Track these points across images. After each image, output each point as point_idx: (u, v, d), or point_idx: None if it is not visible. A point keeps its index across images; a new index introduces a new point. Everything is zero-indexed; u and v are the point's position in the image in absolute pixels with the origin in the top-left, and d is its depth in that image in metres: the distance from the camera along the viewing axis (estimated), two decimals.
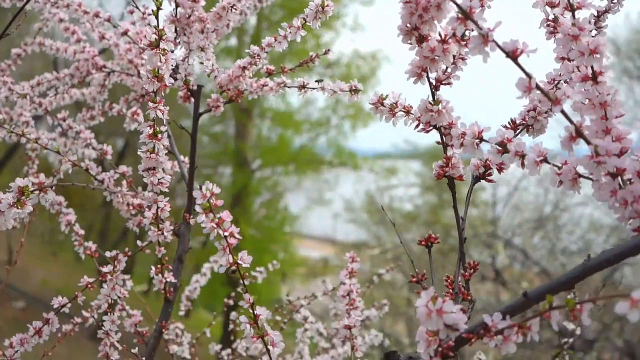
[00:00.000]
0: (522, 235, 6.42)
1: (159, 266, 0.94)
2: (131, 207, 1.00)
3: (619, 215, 0.51)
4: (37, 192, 0.67)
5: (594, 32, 0.72)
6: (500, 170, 0.66)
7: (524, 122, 0.68)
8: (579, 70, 0.55)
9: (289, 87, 0.95)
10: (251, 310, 0.64)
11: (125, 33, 1.02)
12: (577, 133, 0.51)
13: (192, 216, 0.97)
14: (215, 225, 0.61)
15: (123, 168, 1.04)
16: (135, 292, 1.35)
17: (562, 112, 0.50)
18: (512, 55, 0.50)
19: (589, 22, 0.72)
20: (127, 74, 1.16)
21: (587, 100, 0.54)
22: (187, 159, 1.10)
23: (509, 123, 0.68)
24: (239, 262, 0.62)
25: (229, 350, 1.29)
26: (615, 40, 8.95)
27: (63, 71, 1.18)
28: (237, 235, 0.62)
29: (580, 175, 0.54)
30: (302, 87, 0.92)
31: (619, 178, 0.51)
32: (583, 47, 0.52)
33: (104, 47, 1.16)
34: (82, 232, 1.08)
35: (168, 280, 0.96)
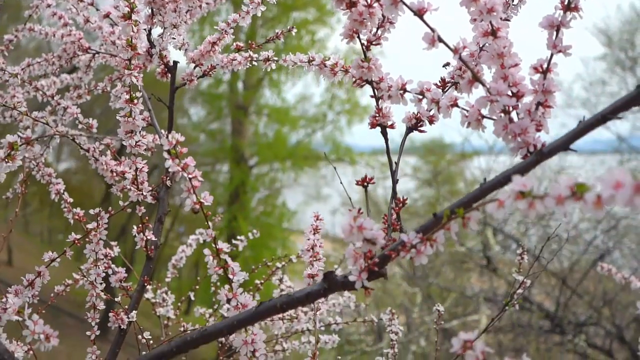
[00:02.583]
0: (514, 222, 6.52)
1: (140, 225, 1.04)
2: (114, 174, 1.09)
3: (511, 146, 0.60)
4: (24, 145, 0.76)
5: (515, 1, 0.81)
6: (431, 122, 0.76)
7: (452, 79, 0.77)
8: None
9: (256, 61, 1.04)
10: (214, 245, 0.74)
11: (107, 15, 1.11)
12: (475, 78, 0.61)
13: (170, 180, 1.06)
14: (180, 169, 0.70)
15: (107, 140, 1.14)
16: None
17: (460, 59, 0.59)
18: (419, 13, 0.59)
19: None
20: (111, 54, 1.25)
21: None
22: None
23: (439, 81, 0.78)
24: (202, 200, 0.72)
25: (210, 310, 1.39)
26: (607, 31, 9.04)
27: (51, 54, 1.28)
28: (199, 178, 0.71)
29: (483, 116, 0.63)
30: (267, 59, 1.02)
31: (511, 115, 0.60)
32: (481, 6, 0.62)
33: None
34: (70, 200, 1.17)
35: (149, 238, 1.05)
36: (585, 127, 0.55)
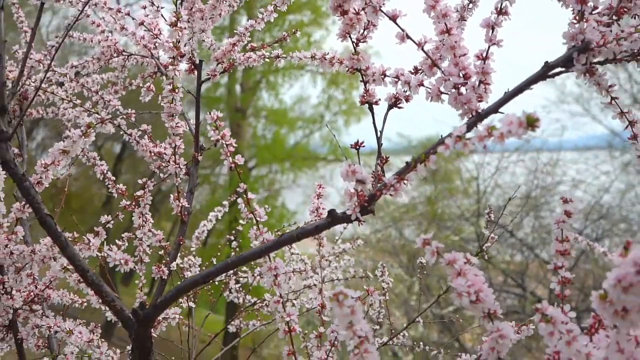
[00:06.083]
0: (507, 213, 6.77)
1: (176, 194, 1.27)
2: (152, 154, 1.33)
3: (460, 112, 0.84)
4: (99, 124, 0.99)
5: (470, 5, 1.05)
6: (407, 100, 0.99)
7: (422, 67, 1.01)
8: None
9: (267, 58, 1.28)
10: (245, 196, 0.97)
11: (142, 23, 1.35)
12: (433, 64, 0.84)
13: (200, 155, 1.30)
14: (220, 137, 0.94)
15: (144, 126, 1.37)
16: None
17: (423, 51, 0.83)
18: (393, 18, 0.83)
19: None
20: (143, 56, 1.49)
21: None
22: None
23: (413, 68, 1.01)
24: (236, 161, 0.95)
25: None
26: None
27: (91, 56, 1.51)
28: (234, 144, 0.95)
29: (441, 92, 0.87)
30: (277, 57, 1.26)
31: (460, 90, 0.84)
32: (438, 12, 0.85)
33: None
34: (113, 178, 1.41)
35: (183, 205, 1.29)
36: (508, 96, 0.78)
